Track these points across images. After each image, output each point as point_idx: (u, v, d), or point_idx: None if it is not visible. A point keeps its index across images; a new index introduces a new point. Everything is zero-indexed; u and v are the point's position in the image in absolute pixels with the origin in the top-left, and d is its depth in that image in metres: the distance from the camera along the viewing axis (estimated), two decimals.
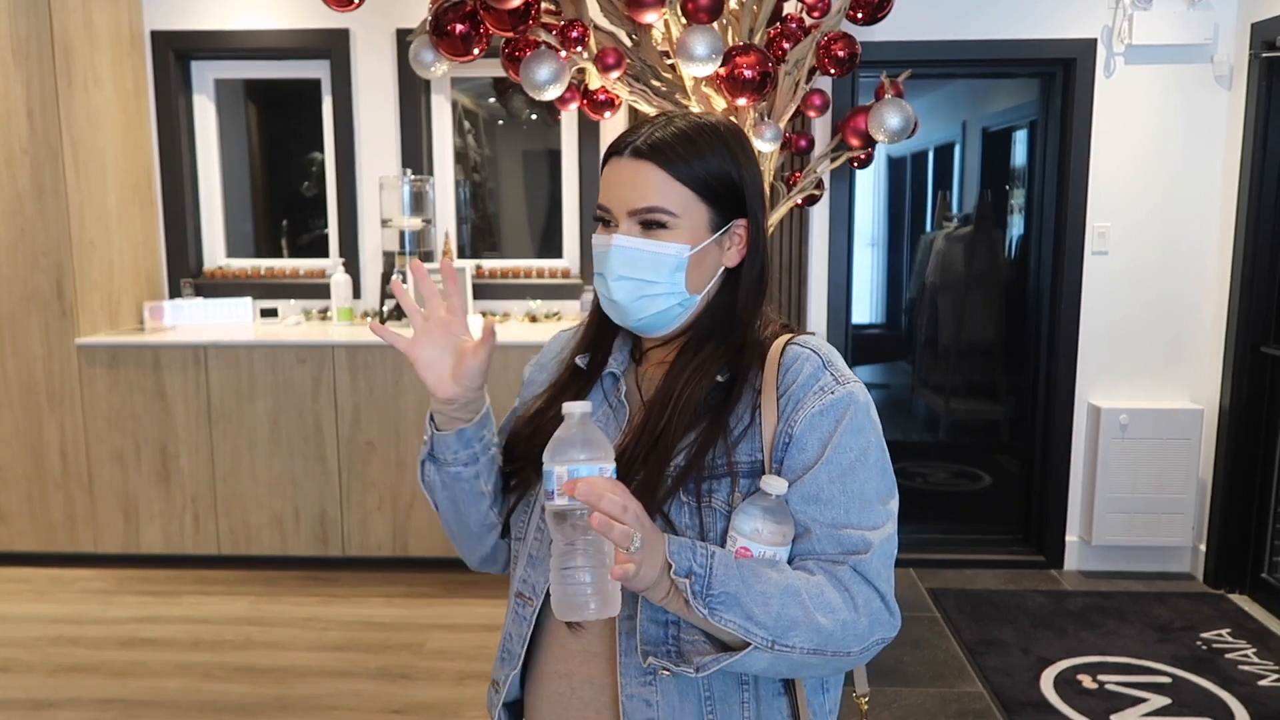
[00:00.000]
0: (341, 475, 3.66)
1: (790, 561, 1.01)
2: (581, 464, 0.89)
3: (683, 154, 1.04)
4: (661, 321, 1.08)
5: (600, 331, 1.15)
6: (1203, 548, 3.83)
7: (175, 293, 4.11)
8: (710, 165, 1.05)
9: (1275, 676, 3.05)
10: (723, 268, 1.09)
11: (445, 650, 3.12)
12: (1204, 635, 3.34)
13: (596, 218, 1.09)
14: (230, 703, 2.82)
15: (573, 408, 0.92)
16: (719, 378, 1.06)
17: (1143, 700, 2.90)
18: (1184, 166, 3.72)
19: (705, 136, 1.06)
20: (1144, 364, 3.84)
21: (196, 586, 3.63)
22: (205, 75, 4.15)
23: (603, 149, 3.88)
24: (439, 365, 1.03)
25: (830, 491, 1.00)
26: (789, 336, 1.09)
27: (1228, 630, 3.38)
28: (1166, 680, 3.02)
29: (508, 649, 1.13)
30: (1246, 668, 3.11)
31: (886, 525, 1.02)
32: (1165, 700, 2.91)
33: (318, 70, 4.08)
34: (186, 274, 4.12)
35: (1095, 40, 3.66)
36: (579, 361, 1.14)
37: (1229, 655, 3.19)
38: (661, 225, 1.04)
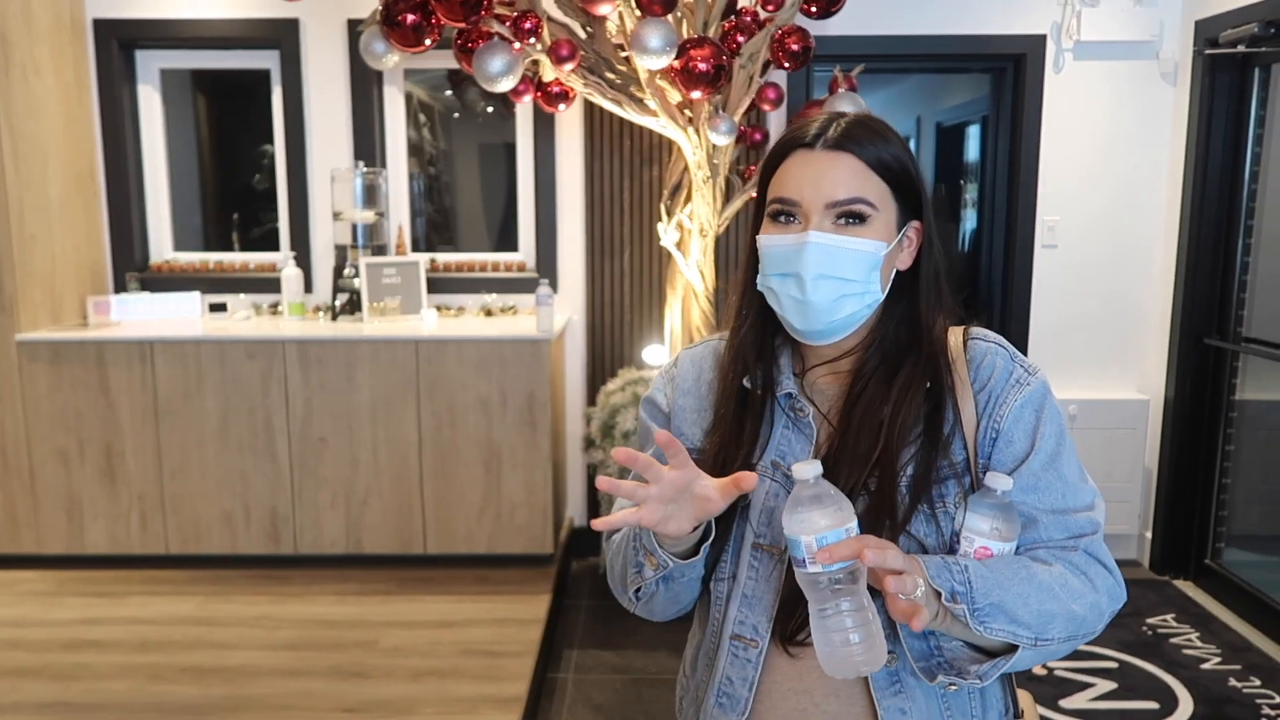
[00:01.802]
0: (293, 472, 3.61)
1: (1017, 552, 1.03)
2: (827, 530, 0.90)
3: (874, 144, 1.03)
4: (849, 324, 1.06)
5: (761, 345, 1.12)
6: (1149, 535, 3.92)
7: (121, 287, 4.02)
8: (896, 153, 1.04)
9: (1217, 660, 3.13)
10: (895, 269, 1.08)
11: (399, 648, 3.09)
12: (1149, 621, 3.41)
13: (774, 213, 1.07)
14: (178, 704, 2.76)
15: (804, 471, 0.92)
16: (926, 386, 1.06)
17: (1090, 685, 2.96)
18: (1131, 161, 3.80)
19: (883, 127, 1.06)
20: (1092, 355, 3.91)
21: (143, 587, 3.55)
22: (150, 65, 4.06)
23: (558, 142, 3.89)
24: (677, 518, 0.98)
25: (1046, 479, 1.03)
26: (963, 330, 1.10)
27: (1172, 615, 3.46)
28: (1113, 665, 3.09)
29: (728, 693, 1.08)
30: (1190, 652, 3.18)
31: (1098, 502, 1.06)
32: (1112, 685, 2.97)
33: (267, 61, 4.00)
34: (132, 268, 4.02)
35: (1045, 36, 3.71)
36: (746, 383, 1.11)
37: (1173, 640, 3.27)
38: (860, 219, 1.02)
